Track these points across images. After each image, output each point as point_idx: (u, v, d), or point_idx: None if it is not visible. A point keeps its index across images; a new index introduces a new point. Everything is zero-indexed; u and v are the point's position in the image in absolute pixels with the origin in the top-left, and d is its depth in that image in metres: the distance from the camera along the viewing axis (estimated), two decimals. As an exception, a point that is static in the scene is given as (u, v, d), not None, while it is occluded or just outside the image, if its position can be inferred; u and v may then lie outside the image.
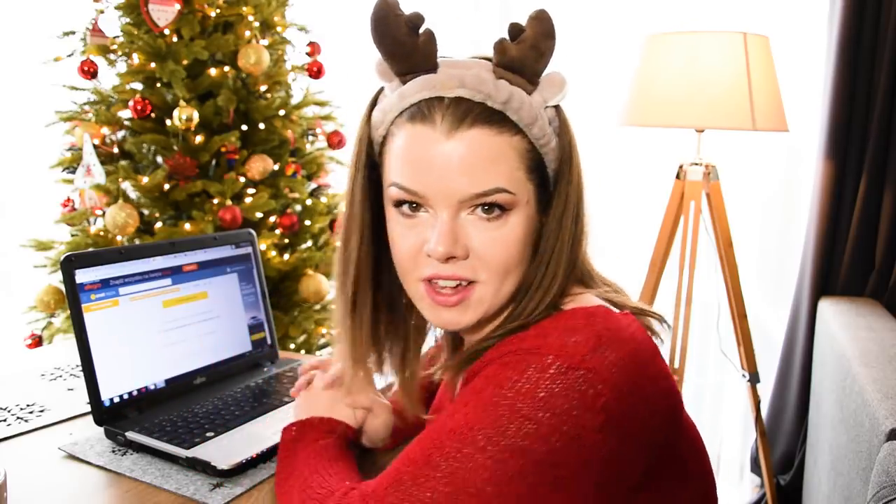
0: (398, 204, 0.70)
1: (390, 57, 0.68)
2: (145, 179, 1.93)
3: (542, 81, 0.69)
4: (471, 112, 0.66)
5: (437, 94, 0.67)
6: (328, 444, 0.80)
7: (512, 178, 0.67)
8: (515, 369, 0.63)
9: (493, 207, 0.67)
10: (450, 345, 0.86)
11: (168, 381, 1.04)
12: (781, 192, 2.28)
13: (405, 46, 0.67)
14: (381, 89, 0.73)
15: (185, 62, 1.96)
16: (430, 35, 0.67)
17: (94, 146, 1.94)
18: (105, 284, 0.98)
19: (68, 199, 2.11)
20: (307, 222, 2.21)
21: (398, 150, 0.69)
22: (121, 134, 2.05)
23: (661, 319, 0.75)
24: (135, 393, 1.00)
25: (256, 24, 2.07)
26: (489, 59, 0.70)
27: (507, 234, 0.68)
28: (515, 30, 0.68)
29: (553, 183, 0.72)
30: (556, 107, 0.72)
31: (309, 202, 2.21)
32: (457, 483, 0.61)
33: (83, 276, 0.95)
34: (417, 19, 0.67)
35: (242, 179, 1.99)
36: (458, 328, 0.73)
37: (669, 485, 0.70)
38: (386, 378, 0.86)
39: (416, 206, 0.69)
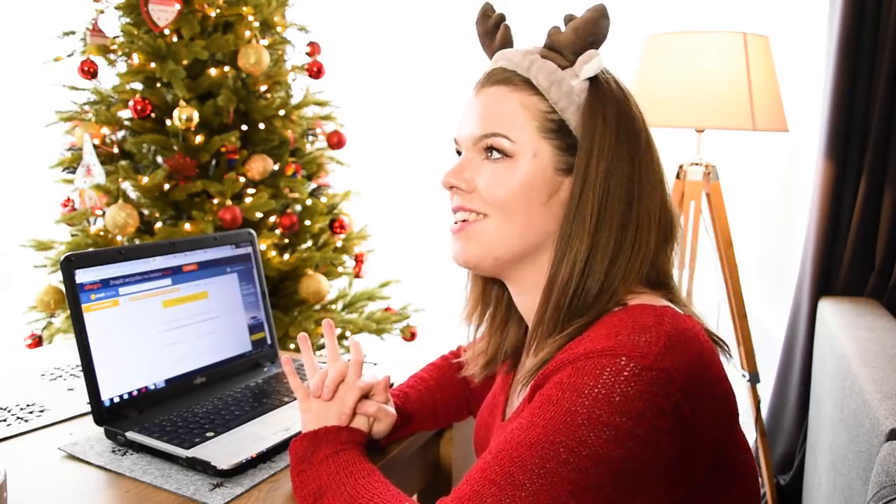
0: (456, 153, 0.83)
1: (482, 46, 0.85)
2: (145, 179, 1.93)
3: (579, 59, 0.76)
4: (499, 75, 0.78)
5: (490, 68, 0.81)
6: (355, 456, 0.78)
7: (516, 128, 0.75)
8: (591, 374, 0.63)
9: (493, 150, 0.76)
10: (516, 353, 0.90)
11: (168, 381, 1.04)
12: (781, 192, 2.28)
13: (489, 37, 0.84)
14: None
15: (185, 62, 1.96)
16: (506, 29, 0.83)
17: (94, 146, 1.94)
18: (105, 284, 0.98)
19: (68, 199, 2.10)
20: (307, 222, 2.20)
21: None
22: (121, 134, 2.05)
23: (722, 346, 0.76)
24: (135, 393, 1.00)
25: (256, 24, 2.07)
26: None
27: (506, 174, 0.76)
28: (567, 19, 0.78)
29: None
30: (595, 84, 0.76)
31: (309, 202, 2.21)
32: (542, 500, 0.61)
33: (83, 276, 0.95)
34: (500, 18, 0.83)
35: (242, 179, 1.98)
36: (464, 262, 0.80)
37: (725, 483, 0.71)
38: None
39: (460, 152, 0.81)
